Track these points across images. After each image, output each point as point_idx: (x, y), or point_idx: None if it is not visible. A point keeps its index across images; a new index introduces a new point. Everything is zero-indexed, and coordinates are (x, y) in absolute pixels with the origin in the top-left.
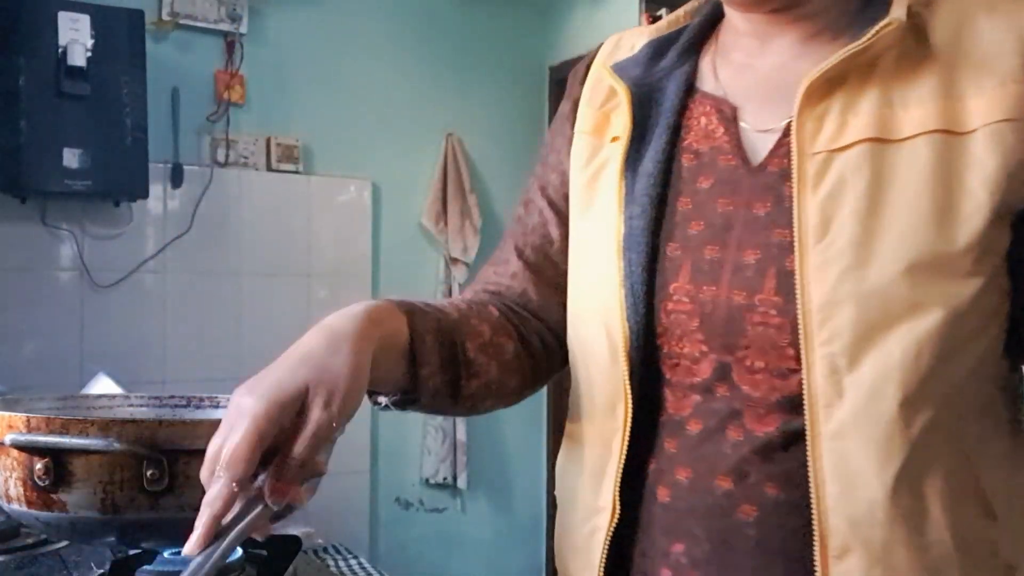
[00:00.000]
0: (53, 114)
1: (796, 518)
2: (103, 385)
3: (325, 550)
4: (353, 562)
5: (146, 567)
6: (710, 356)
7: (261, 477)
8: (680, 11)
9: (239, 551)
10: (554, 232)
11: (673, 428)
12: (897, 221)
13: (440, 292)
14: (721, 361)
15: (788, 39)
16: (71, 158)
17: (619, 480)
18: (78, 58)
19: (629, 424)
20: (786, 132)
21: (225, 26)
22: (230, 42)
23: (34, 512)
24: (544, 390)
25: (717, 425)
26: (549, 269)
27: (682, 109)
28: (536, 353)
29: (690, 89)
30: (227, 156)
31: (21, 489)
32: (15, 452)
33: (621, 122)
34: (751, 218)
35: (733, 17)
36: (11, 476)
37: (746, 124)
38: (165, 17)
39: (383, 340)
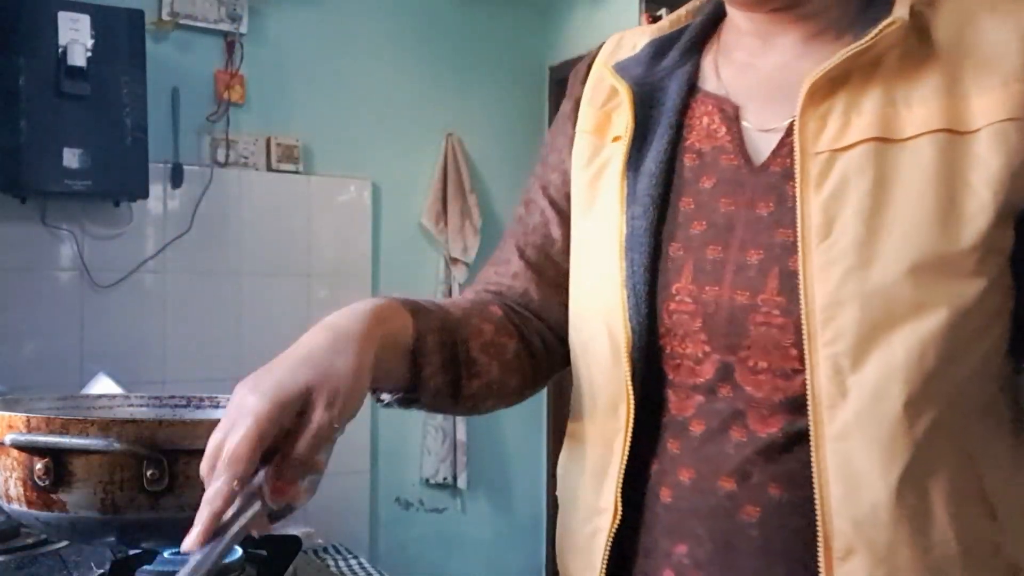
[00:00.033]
0: (53, 114)
1: (799, 519)
2: (103, 385)
3: (325, 550)
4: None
5: (146, 567)
6: (713, 356)
7: (260, 475)
8: (682, 10)
9: (239, 551)
10: (555, 232)
11: (676, 429)
12: (901, 221)
13: (440, 292)
14: (724, 361)
15: (790, 38)
16: (71, 158)
17: (621, 481)
18: (78, 58)
19: (631, 425)
20: (789, 132)
21: (225, 26)
22: (230, 42)
23: (34, 512)
24: (544, 390)
25: (720, 426)
26: (550, 269)
27: (684, 108)
28: (537, 353)
29: (692, 88)
30: (227, 156)
31: (21, 489)
32: (15, 452)
33: (623, 121)
34: (754, 218)
35: (735, 16)
36: (11, 476)
37: (748, 124)
38: (165, 17)
39: (387, 339)
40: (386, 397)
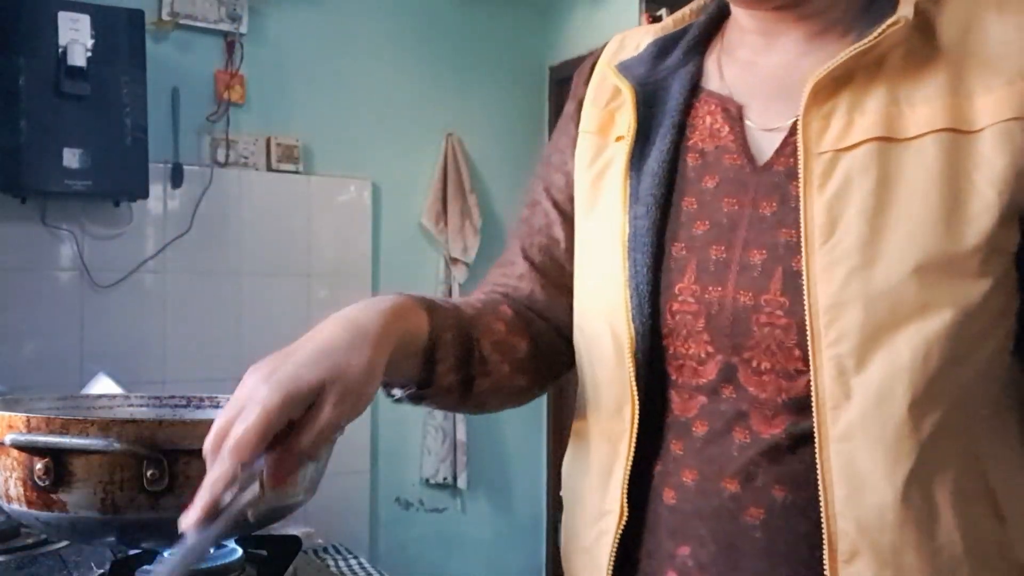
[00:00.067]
0: (53, 114)
1: (803, 521)
2: (103, 385)
3: (325, 550)
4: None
5: (146, 567)
6: (716, 357)
7: (260, 460)
8: (686, 9)
9: (239, 551)
10: (559, 233)
11: (679, 430)
12: (905, 221)
13: (440, 292)
14: (727, 362)
15: (794, 37)
16: (71, 158)
17: (627, 482)
18: (78, 58)
19: (636, 425)
20: (792, 131)
21: (225, 26)
22: (230, 42)
23: (34, 512)
24: None
25: (723, 427)
26: (555, 270)
27: (687, 108)
28: (546, 353)
29: (695, 88)
30: (227, 156)
31: (21, 489)
32: (15, 452)
33: (626, 121)
34: (757, 218)
35: (738, 15)
36: (11, 476)
37: (752, 123)
38: (165, 17)
39: (403, 336)
40: (397, 392)
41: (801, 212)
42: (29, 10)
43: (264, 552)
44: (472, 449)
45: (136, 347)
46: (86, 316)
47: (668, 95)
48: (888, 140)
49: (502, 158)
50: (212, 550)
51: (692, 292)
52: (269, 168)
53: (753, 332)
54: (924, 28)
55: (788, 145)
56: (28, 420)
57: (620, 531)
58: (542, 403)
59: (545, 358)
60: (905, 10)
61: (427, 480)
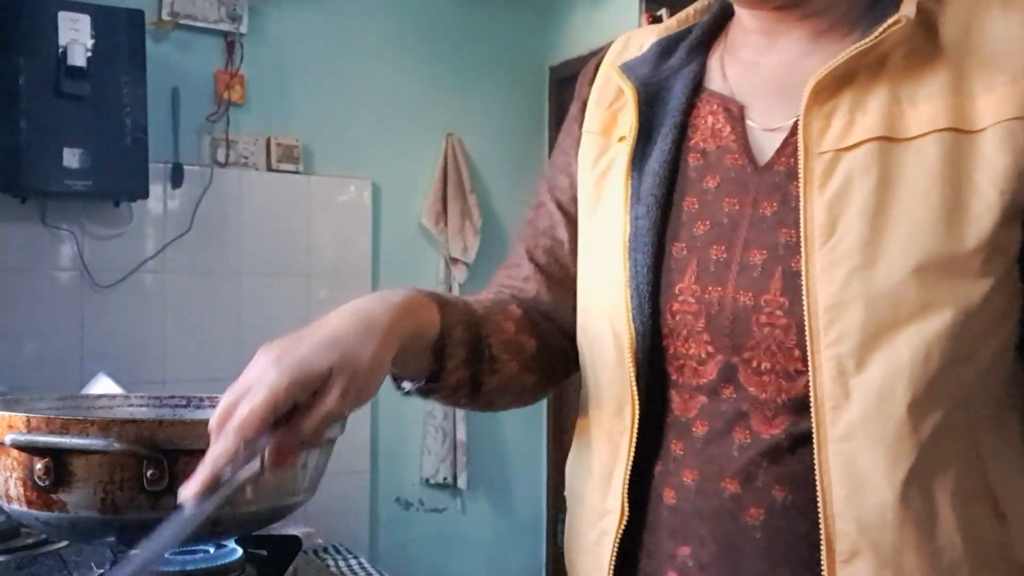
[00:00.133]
0: (53, 114)
1: (804, 521)
2: (103, 385)
3: (325, 550)
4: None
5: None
6: (716, 357)
7: (263, 439)
8: (690, 9)
9: (239, 551)
10: (563, 234)
11: (679, 430)
12: (905, 221)
13: None
14: (727, 362)
15: (796, 36)
16: (71, 158)
17: (627, 482)
18: (78, 58)
19: (636, 426)
20: (793, 131)
21: (225, 26)
22: (230, 42)
23: (34, 512)
24: None
25: (723, 427)
26: (560, 271)
27: (689, 108)
28: (554, 353)
29: (698, 88)
30: (227, 156)
31: (21, 489)
32: (15, 452)
33: (628, 121)
34: (758, 218)
35: (741, 15)
36: (11, 476)
37: (753, 123)
38: (165, 17)
39: (414, 330)
40: (407, 386)
41: (801, 212)
42: (29, 10)
43: (264, 552)
44: (472, 449)
45: (136, 347)
46: (86, 316)
47: (670, 95)
48: (889, 140)
49: (502, 158)
50: (212, 550)
51: (692, 292)
52: (269, 168)
53: (753, 332)
54: (927, 27)
55: (789, 145)
56: (28, 420)
57: (621, 531)
58: (542, 403)
59: (553, 358)
60: (907, 9)
61: (427, 480)
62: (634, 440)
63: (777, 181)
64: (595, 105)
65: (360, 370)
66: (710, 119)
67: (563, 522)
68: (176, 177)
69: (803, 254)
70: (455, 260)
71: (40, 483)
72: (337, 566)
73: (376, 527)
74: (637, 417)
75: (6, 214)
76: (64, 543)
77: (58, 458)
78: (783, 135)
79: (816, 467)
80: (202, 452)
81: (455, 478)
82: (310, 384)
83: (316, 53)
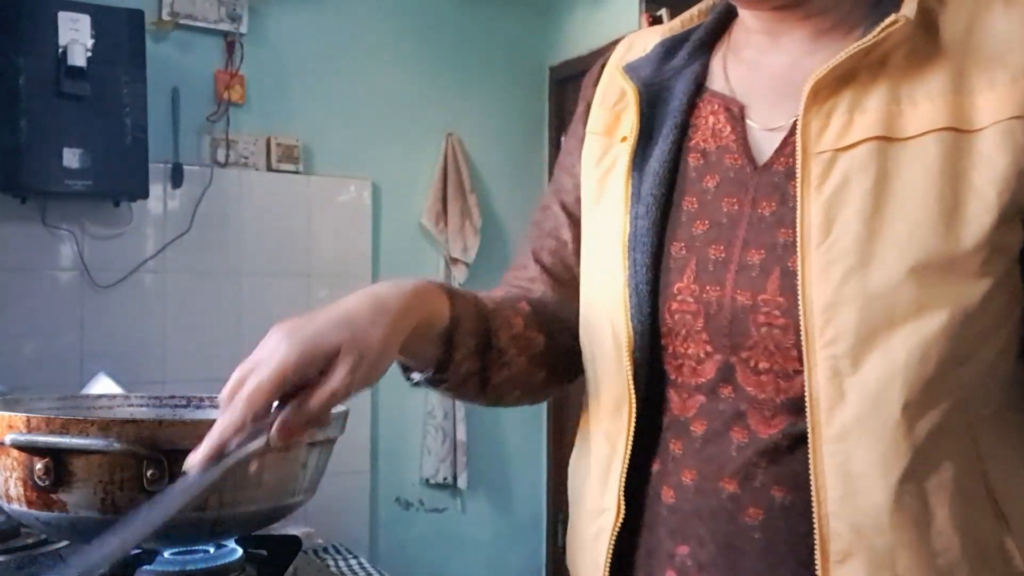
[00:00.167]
0: (53, 114)
1: (803, 522)
2: (103, 385)
3: (325, 550)
4: (353, 562)
5: (146, 567)
6: (714, 357)
7: (271, 416)
8: (694, 10)
9: (239, 551)
10: (566, 235)
11: (678, 429)
12: (902, 221)
13: None
14: (725, 362)
15: (798, 36)
16: (71, 158)
17: (623, 480)
18: (78, 58)
19: (633, 424)
20: (792, 131)
21: (225, 26)
22: (230, 42)
23: (34, 512)
24: None
25: (722, 426)
26: (565, 272)
27: (690, 108)
28: (563, 351)
29: (700, 88)
30: (227, 156)
31: (21, 489)
32: (15, 452)
33: (630, 122)
34: (756, 217)
35: (744, 15)
36: (11, 476)
37: (753, 123)
38: (165, 17)
39: (425, 318)
40: (416, 376)
41: (798, 212)
42: (29, 10)
43: (264, 552)
44: (472, 449)
45: (136, 347)
46: (86, 316)
47: (672, 95)
48: (887, 139)
49: (502, 158)
50: (212, 550)
51: (691, 292)
52: (269, 168)
53: (751, 332)
54: (928, 25)
55: (788, 145)
56: (28, 420)
57: (617, 529)
58: (542, 403)
59: (561, 355)
60: (908, 9)
61: (427, 480)
62: (631, 438)
63: (776, 181)
64: (599, 106)
65: (369, 350)
66: (711, 119)
67: (563, 522)
68: (176, 177)
69: (799, 254)
70: (455, 260)
71: (40, 483)
72: (337, 566)
73: (376, 527)
74: (634, 416)
75: (6, 214)
76: (64, 543)
77: (58, 458)
78: (782, 135)
79: (811, 467)
80: None
81: (455, 478)
82: (319, 360)
83: (316, 53)
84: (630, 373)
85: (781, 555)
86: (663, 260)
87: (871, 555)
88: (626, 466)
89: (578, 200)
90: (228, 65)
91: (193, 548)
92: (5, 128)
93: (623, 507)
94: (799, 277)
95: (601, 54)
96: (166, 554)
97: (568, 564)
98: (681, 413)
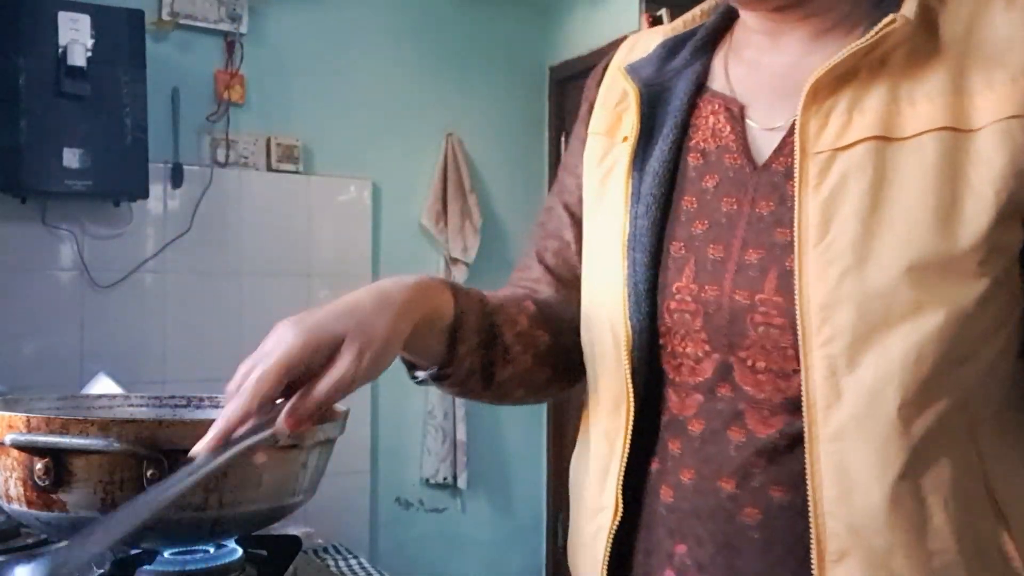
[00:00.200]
0: (53, 114)
1: (801, 521)
2: (103, 385)
3: (325, 550)
4: (353, 562)
5: (146, 567)
6: (713, 356)
7: (279, 405)
8: (696, 10)
9: (239, 551)
10: (569, 235)
11: (676, 428)
12: (899, 221)
13: None
14: (723, 361)
15: (799, 36)
16: (71, 158)
17: (621, 479)
18: (78, 58)
19: (631, 423)
20: (791, 130)
21: (225, 26)
22: (230, 42)
23: (34, 512)
24: None
25: (720, 426)
26: (568, 272)
27: (691, 108)
28: (568, 350)
29: (701, 88)
30: (227, 156)
31: (21, 489)
32: (15, 452)
33: (630, 122)
34: (755, 217)
35: (745, 15)
36: (11, 476)
37: (753, 122)
38: (165, 17)
39: (429, 312)
40: (421, 375)
41: (795, 212)
42: (29, 10)
43: (264, 552)
44: (472, 449)
45: (136, 347)
46: (86, 316)
47: (672, 95)
48: (886, 139)
49: (502, 158)
50: (212, 550)
51: (690, 291)
52: (269, 168)
53: (749, 332)
54: (929, 25)
55: (787, 144)
56: (28, 420)
57: (615, 527)
58: (543, 403)
59: (567, 355)
60: (907, 9)
61: (427, 480)
62: (629, 437)
63: (775, 181)
64: (601, 106)
65: (374, 338)
66: (711, 119)
67: (563, 522)
68: (176, 177)
69: (796, 254)
70: (455, 260)
71: (40, 483)
72: (337, 566)
73: (376, 527)
74: (632, 415)
75: (6, 214)
76: (64, 543)
77: (58, 458)
78: (782, 135)
79: (807, 466)
80: None
81: (455, 478)
82: (324, 348)
83: (316, 53)
84: (628, 372)
85: (779, 555)
86: (662, 260)
87: (867, 554)
88: (624, 465)
89: (580, 200)
90: (228, 65)
91: (193, 548)
92: (5, 128)
93: (621, 506)
94: (796, 277)
95: (601, 54)
96: (166, 554)
97: (569, 562)
98: (680, 412)
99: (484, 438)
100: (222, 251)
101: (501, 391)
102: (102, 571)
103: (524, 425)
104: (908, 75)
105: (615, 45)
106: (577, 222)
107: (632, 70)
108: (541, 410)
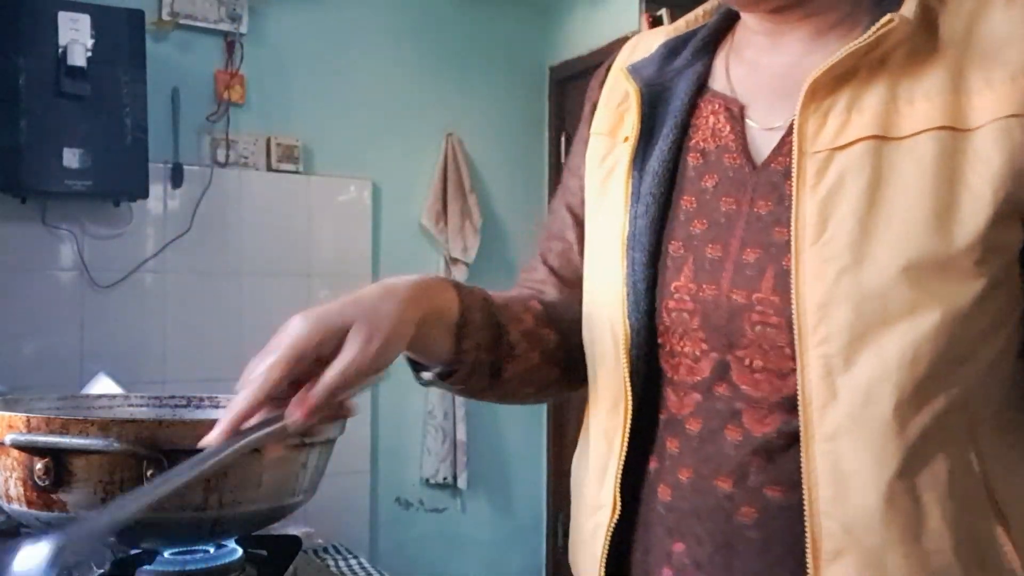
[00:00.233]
0: (53, 114)
1: (797, 521)
2: (103, 385)
3: (325, 550)
4: (353, 562)
5: (146, 567)
6: (710, 355)
7: (289, 401)
8: (699, 10)
9: (239, 551)
10: (572, 236)
11: (675, 427)
12: (895, 220)
13: None
14: (721, 360)
15: (799, 36)
16: (71, 158)
17: (619, 477)
18: (78, 58)
19: (629, 422)
20: (790, 130)
21: (225, 26)
22: (230, 42)
23: (34, 512)
24: None
25: (718, 425)
26: (572, 273)
27: (692, 108)
28: (574, 349)
29: (702, 88)
30: (227, 156)
31: (21, 489)
32: (15, 452)
33: (631, 121)
34: (754, 217)
35: (745, 15)
36: (11, 476)
37: (753, 122)
38: (165, 17)
39: (434, 307)
40: (427, 375)
41: (793, 211)
42: (29, 10)
43: (264, 552)
44: (472, 449)
45: (136, 347)
46: (86, 316)
47: (673, 95)
48: (883, 139)
49: (502, 158)
50: (212, 550)
51: (688, 291)
52: (269, 168)
53: (746, 331)
54: (929, 25)
55: (786, 144)
56: (28, 420)
57: (612, 526)
58: (543, 403)
59: (574, 354)
60: (907, 8)
61: (427, 480)
62: (627, 436)
63: (774, 180)
64: (603, 107)
65: (380, 324)
66: (711, 119)
67: (563, 522)
68: (176, 177)
69: (793, 253)
70: (455, 260)
71: (40, 483)
72: (337, 566)
73: (376, 527)
74: (630, 413)
75: (6, 214)
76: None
77: (58, 458)
78: (780, 134)
79: (803, 465)
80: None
81: (455, 478)
82: (332, 335)
83: (316, 53)
84: (627, 371)
85: (776, 554)
86: (661, 259)
87: (863, 554)
88: (622, 463)
89: (583, 202)
90: (228, 65)
91: (193, 548)
92: (5, 128)
93: (619, 504)
94: (793, 276)
95: (601, 54)
96: (166, 554)
97: (570, 560)
98: (678, 411)
99: (484, 438)
100: (222, 251)
101: (508, 389)
102: (102, 571)
103: (524, 425)
104: (907, 74)
105: (615, 45)
106: (579, 223)
107: (634, 70)
108: (541, 410)
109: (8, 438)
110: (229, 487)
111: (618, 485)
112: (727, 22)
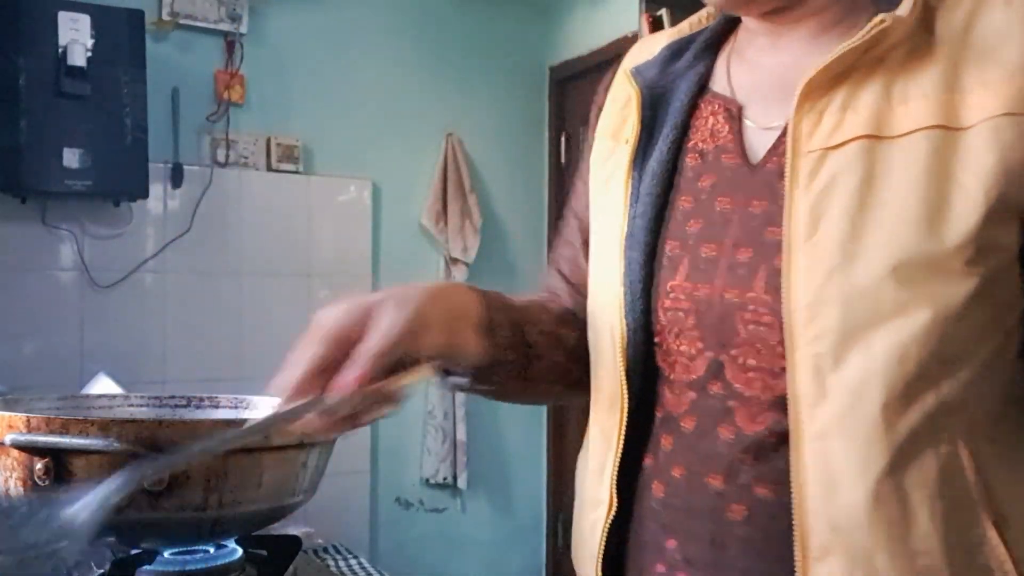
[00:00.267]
0: (53, 114)
1: (785, 519)
2: (103, 385)
3: (325, 550)
4: (353, 562)
5: (146, 567)
6: (705, 354)
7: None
8: (702, 12)
9: (239, 551)
10: (578, 241)
11: (670, 425)
12: (887, 219)
13: None
14: (715, 358)
15: (798, 36)
16: (71, 158)
17: (615, 474)
18: (78, 58)
19: (626, 420)
20: (786, 130)
21: (225, 26)
22: (230, 42)
23: None
24: None
25: (711, 423)
26: (580, 278)
27: (692, 109)
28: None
29: (702, 89)
30: (227, 156)
31: (21, 489)
32: (15, 452)
33: (631, 123)
34: (748, 216)
35: (744, 17)
36: (11, 476)
37: (751, 122)
38: (165, 17)
39: (456, 307)
40: (456, 380)
41: (785, 210)
42: (29, 10)
43: (264, 552)
44: (472, 449)
45: (136, 347)
46: (86, 316)
47: (674, 96)
48: (876, 138)
49: (502, 158)
50: (212, 550)
51: (684, 290)
52: (269, 168)
53: (739, 330)
54: (927, 24)
55: (782, 144)
56: (28, 420)
57: (609, 522)
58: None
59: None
60: (901, 8)
61: (427, 480)
62: (623, 433)
63: (769, 180)
64: (608, 111)
65: (408, 299)
66: (710, 120)
67: (563, 522)
68: (176, 177)
69: (784, 252)
70: (455, 260)
71: (40, 483)
72: (337, 566)
73: (376, 527)
74: (627, 411)
75: (6, 214)
76: (63, 543)
77: (58, 458)
78: (777, 134)
79: (792, 464)
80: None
81: (455, 478)
82: (364, 312)
83: (316, 53)
84: (623, 369)
85: (765, 552)
86: (658, 259)
87: (850, 552)
88: (618, 460)
89: (587, 206)
90: (228, 65)
91: (193, 548)
92: (5, 128)
93: (615, 500)
94: (784, 275)
95: (601, 54)
96: (166, 554)
97: (572, 555)
98: (673, 409)
99: (484, 438)
100: (222, 251)
101: (538, 386)
102: (102, 571)
103: (524, 425)
104: (903, 73)
105: (615, 45)
106: (585, 227)
107: (636, 72)
108: (541, 410)
109: (8, 438)
110: (229, 487)
111: (615, 482)
112: (730, 24)
